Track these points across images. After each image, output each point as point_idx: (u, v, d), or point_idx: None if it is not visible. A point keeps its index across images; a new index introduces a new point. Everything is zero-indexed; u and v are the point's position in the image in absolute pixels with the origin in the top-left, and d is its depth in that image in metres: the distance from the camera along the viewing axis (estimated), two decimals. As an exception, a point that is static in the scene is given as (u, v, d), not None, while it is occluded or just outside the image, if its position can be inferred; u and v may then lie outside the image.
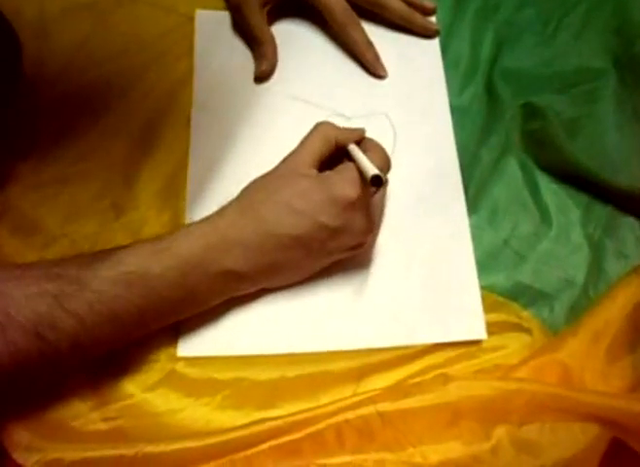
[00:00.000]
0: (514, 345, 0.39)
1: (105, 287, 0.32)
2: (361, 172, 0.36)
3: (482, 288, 0.41)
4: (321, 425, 0.34)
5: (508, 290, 0.41)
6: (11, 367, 0.30)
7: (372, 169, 0.35)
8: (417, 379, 0.37)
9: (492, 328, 0.39)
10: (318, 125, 0.39)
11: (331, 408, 0.34)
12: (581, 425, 0.34)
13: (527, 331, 0.40)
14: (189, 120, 0.44)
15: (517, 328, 0.40)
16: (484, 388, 0.35)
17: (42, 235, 0.40)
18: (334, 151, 0.39)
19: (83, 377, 0.36)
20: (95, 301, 0.32)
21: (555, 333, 0.40)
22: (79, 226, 0.41)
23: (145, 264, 0.33)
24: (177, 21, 0.48)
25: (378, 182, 0.34)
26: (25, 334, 0.30)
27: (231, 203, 0.37)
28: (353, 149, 0.38)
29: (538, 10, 0.50)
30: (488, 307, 0.40)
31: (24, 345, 0.30)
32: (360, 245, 0.38)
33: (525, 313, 0.40)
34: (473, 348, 0.39)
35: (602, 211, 0.44)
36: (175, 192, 0.42)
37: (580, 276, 0.42)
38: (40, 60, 0.45)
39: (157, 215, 0.41)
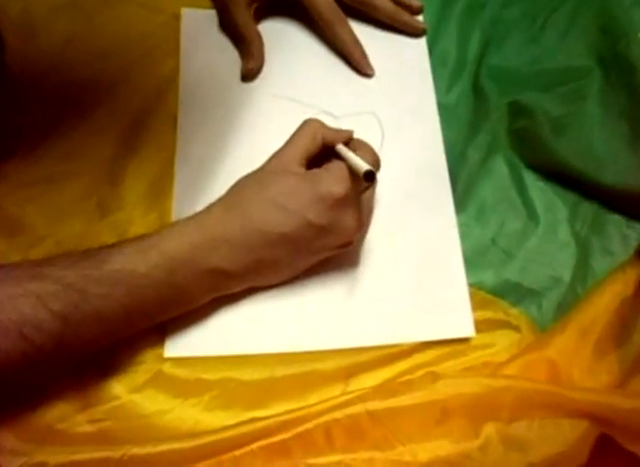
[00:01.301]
0: (502, 343, 0.39)
1: (90, 286, 0.32)
2: (351, 170, 0.36)
3: (470, 286, 0.41)
4: (310, 425, 0.34)
5: (496, 287, 0.41)
6: None
7: (363, 165, 0.35)
8: (406, 378, 0.37)
9: (480, 325, 0.40)
10: (306, 123, 0.39)
11: (319, 407, 0.34)
12: (569, 421, 0.34)
13: (515, 328, 0.40)
14: (175, 119, 0.44)
15: (506, 325, 0.40)
16: (473, 386, 0.35)
17: (27, 235, 0.40)
18: (321, 149, 0.39)
19: (68, 378, 0.35)
20: (80, 300, 0.31)
21: (543, 330, 0.40)
22: (64, 226, 0.40)
23: (131, 262, 0.33)
24: (163, 20, 0.48)
25: (371, 177, 0.34)
26: (9, 335, 0.30)
27: (217, 201, 0.37)
28: (341, 148, 0.38)
29: (524, 8, 0.51)
30: (476, 305, 0.40)
31: (8, 347, 0.30)
32: (347, 244, 0.38)
33: (513, 311, 0.41)
34: (461, 346, 0.39)
35: (589, 209, 0.44)
36: (162, 191, 0.42)
37: (567, 273, 0.42)
38: (26, 59, 0.45)
39: (143, 215, 0.41)
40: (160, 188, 0.42)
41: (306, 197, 0.35)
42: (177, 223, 0.36)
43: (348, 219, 0.36)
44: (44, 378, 0.35)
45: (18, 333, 0.30)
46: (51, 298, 0.31)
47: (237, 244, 0.35)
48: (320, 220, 0.35)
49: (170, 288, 0.34)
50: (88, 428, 0.35)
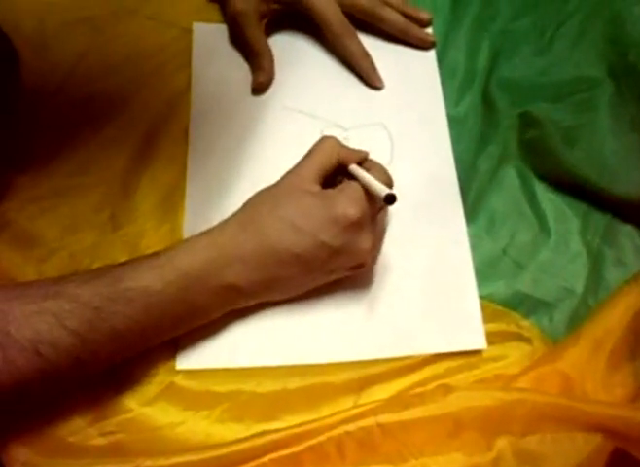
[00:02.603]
0: (514, 355, 0.39)
1: (105, 304, 0.32)
2: (367, 191, 0.36)
3: (482, 297, 0.41)
4: (322, 437, 0.33)
5: (507, 299, 0.41)
6: (10, 385, 0.30)
7: (384, 188, 0.35)
8: (418, 390, 0.37)
9: (492, 338, 0.39)
10: (323, 140, 0.39)
11: (331, 420, 0.34)
12: (583, 435, 0.34)
13: (527, 340, 0.40)
14: (187, 132, 0.45)
15: (518, 337, 0.40)
16: (485, 398, 0.34)
17: (40, 248, 0.40)
18: (336, 167, 0.38)
19: (80, 391, 0.35)
20: (96, 318, 0.31)
21: (556, 342, 0.40)
22: (77, 239, 0.40)
23: (145, 279, 0.33)
24: (174, 34, 0.48)
25: (392, 200, 0.34)
26: (25, 353, 0.30)
27: (232, 217, 0.37)
28: (357, 169, 0.38)
29: (534, 20, 0.51)
30: (488, 317, 0.40)
31: (24, 364, 0.30)
32: (361, 265, 0.37)
33: (525, 323, 0.40)
34: (473, 358, 0.39)
35: (600, 219, 0.44)
36: (174, 204, 0.42)
37: (579, 285, 0.42)
38: (39, 74, 0.45)
39: (155, 227, 0.41)
40: (173, 201, 0.42)
41: (321, 219, 0.35)
42: (191, 239, 0.36)
43: (362, 241, 0.36)
44: (57, 393, 0.35)
45: (34, 350, 0.30)
46: (66, 316, 0.31)
47: (251, 262, 0.35)
48: (334, 242, 0.35)
49: (184, 304, 0.34)
50: (99, 441, 0.35)
